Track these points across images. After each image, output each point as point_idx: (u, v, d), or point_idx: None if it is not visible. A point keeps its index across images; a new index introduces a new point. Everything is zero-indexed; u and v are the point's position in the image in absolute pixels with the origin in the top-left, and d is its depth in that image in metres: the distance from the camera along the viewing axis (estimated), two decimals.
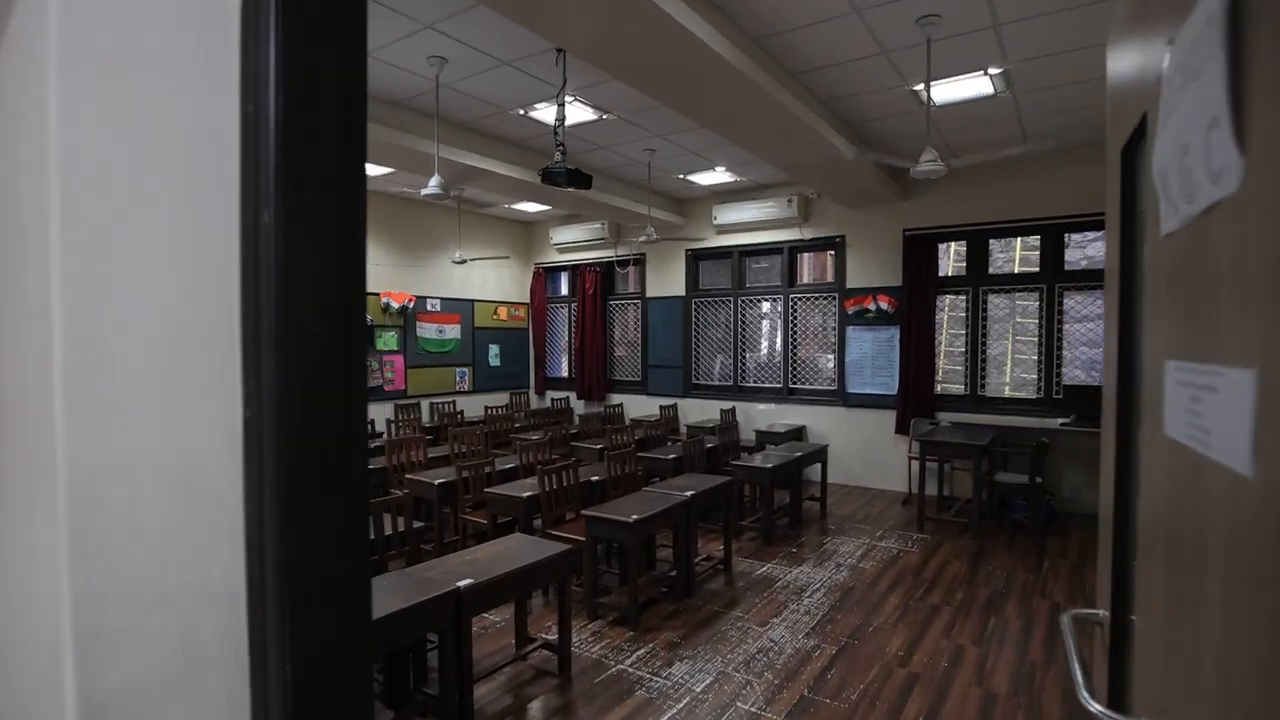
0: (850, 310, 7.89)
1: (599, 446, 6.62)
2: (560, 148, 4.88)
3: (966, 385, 7.40)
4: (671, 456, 6.16)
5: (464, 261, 8.76)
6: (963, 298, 7.42)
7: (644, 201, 8.34)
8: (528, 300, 10.85)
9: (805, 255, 8.54)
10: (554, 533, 4.25)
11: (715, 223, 8.70)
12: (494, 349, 10.37)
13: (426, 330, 9.39)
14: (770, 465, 5.77)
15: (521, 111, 5.79)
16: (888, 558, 5.39)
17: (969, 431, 6.47)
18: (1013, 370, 8.80)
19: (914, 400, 7.36)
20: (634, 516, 3.93)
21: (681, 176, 7.93)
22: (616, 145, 6.74)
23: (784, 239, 8.40)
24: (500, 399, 10.24)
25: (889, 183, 7.03)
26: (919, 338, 7.32)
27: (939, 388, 7.53)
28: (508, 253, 10.40)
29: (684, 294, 9.33)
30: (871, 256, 7.83)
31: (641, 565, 4.43)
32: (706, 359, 9.27)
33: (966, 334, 7.40)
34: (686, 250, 9.27)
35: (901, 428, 7.47)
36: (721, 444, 6.81)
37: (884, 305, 7.66)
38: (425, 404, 9.29)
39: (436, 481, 4.96)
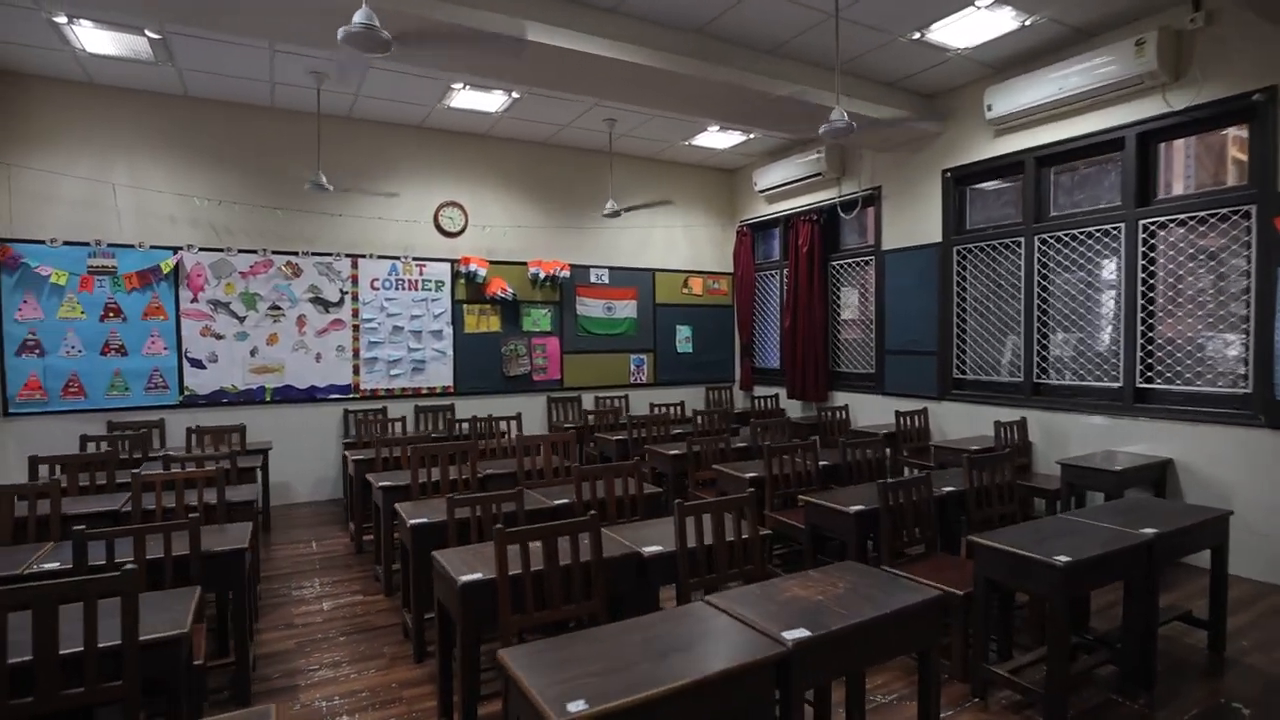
0: None
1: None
2: None
3: None
4: (854, 510, 3.29)
5: (616, 214, 6.60)
6: None
7: (869, 97, 5.33)
8: (731, 269, 8.33)
9: (1175, 146, 4.72)
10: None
11: (991, 116, 5.32)
12: (683, 331, 8.07)
13: (590, 307, 7.45)
14: (1080, 558, 2.58)
15: None
16: None
17: None
18: None
19: None
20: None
21: (917, 36, 4.77)
22: None
23: (1130, 120, 4.70)
24: (689, 395, 7.90)
25: None
26: None
27: None
28: (671, 198, 7.95)
29: (939, 240, 6.02)
30: None
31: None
32: (977, 340, 5.86)
33: None
34: (944, 172, 5.96)
35: None
36: (995, 485, 3.65)
37: None
38: (588, 398, 7.36)
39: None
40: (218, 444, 5.27)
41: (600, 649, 1.83)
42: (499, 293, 6.83)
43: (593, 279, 7.49)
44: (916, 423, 5.92)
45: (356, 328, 6.31)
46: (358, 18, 2.93)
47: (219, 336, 5.76)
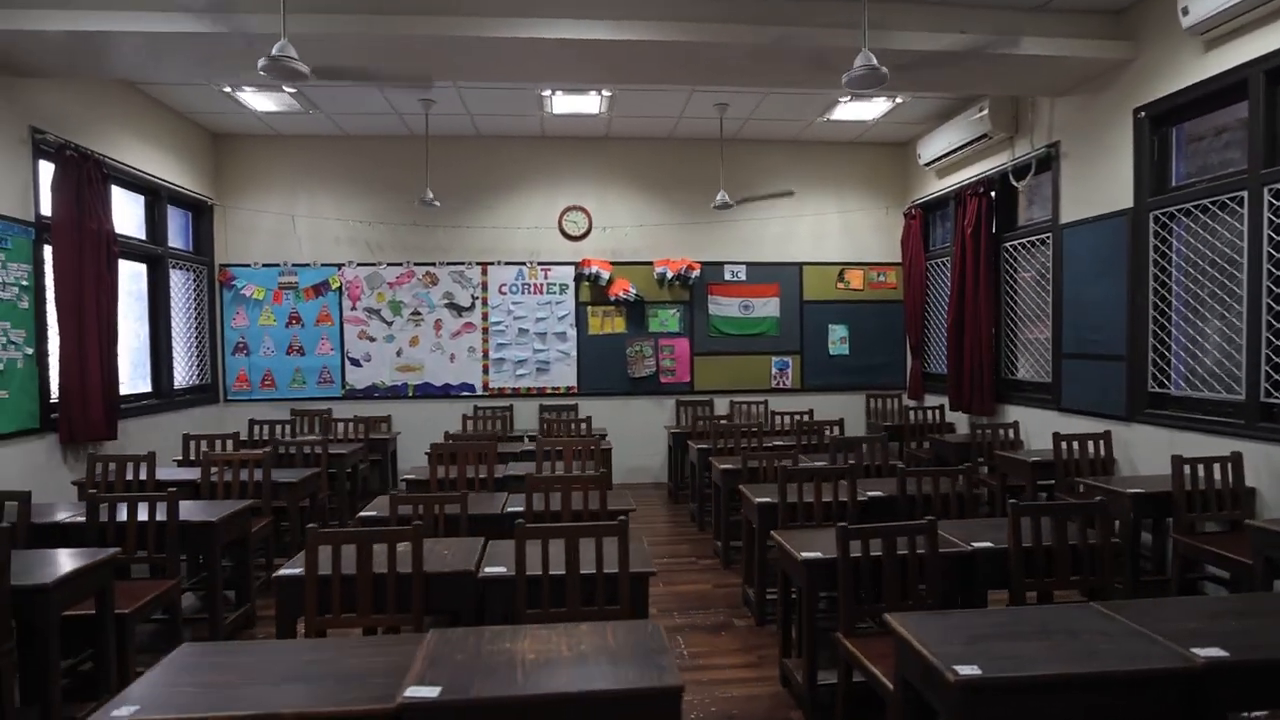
0: None
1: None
2: None
3: None
4: (804, 556, 2.59)
5: (728, 205, 6.10)
6: None
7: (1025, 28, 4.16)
8: (898, 259, 7.15)
9: None
10: None
11: (1189, 22, 3.77)
12: (838, 330, 7.15)
13: (724, 306, 7.01)
14: None
15: None
16: None
17: None
18: None
19: None
20: None
21: None
22: None
23: None
24: (844, 403, 6.97)
25: None
26: None
27: None
28: (793, 188, 6.99)
29: (1130, 205, 4.42)
30: None
31: None
32: (1188, 342, 4.17)
33: None
34: (1136, 111, 4.37)
35: None
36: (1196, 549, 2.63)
37: None
38: (722, 402, 6.93)
39: None
40: (370, 431, 6.14)
41: (974, 622, 1.99)
42: (621, 294, 6.77)
43: (727, 276, 7.02)
44: (1092, 450, 4.44)
45: (486, 330, 6.78)
46: (275, 49, 3.14)
47: (372, 339, 6.66)
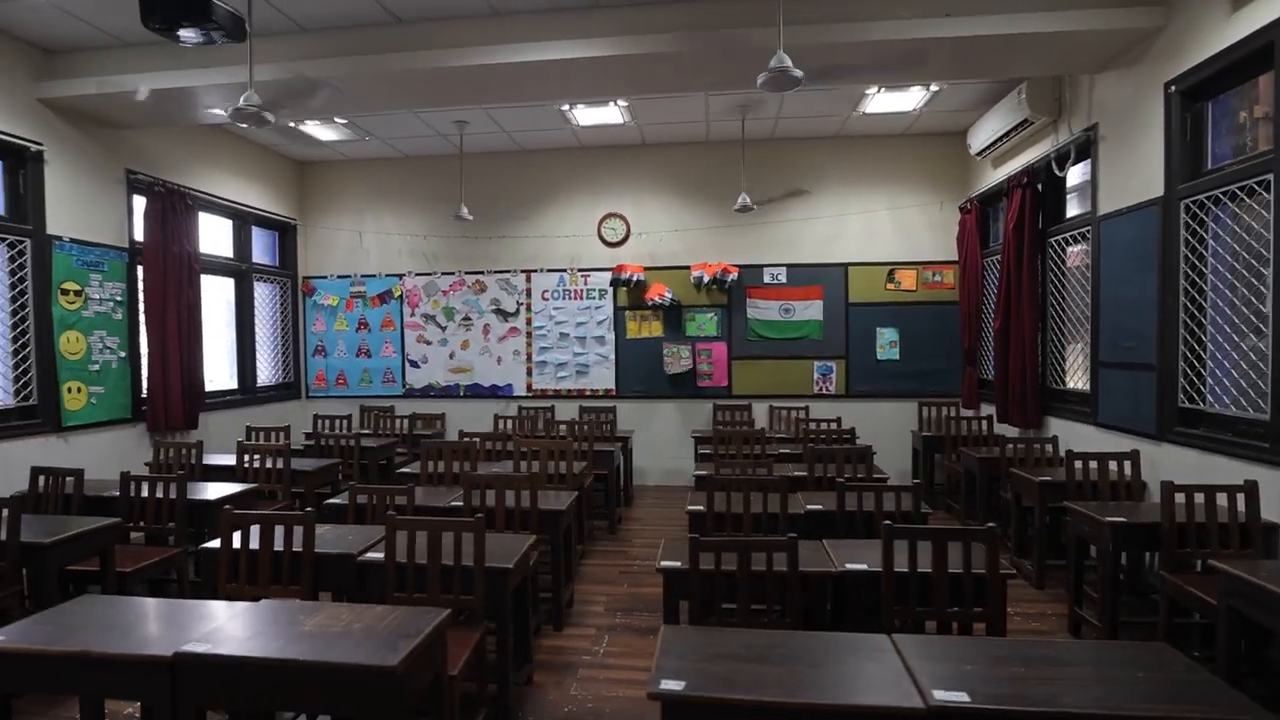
0: None
1: None
2: None
3: None
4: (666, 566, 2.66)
5: (749, 208, 6.01)
6: None
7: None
8: (955, 257, 6.64)
9: None
10: None
11: None
12: (886, 334, 6.79)
13: (763, 309, 6.89)
14: None
15: None
16: None
17: None
18: None
19: None
20: None
21: None
22: None
23: None
24: (895, 411, 6.62)
25: None
26: None
27: None
28: (809, 188, 6.65)
29: (1160, 193, 3.89)
30: None
31: None
32: (1226, 348, 3.61)
33: None
34: (1167, 85, 3.84)
35: None
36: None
37: None
38: (760, 407, 6.82)
39: None
40: (429, 426, 6.75)
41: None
42: (657, 298, 6.86)
43: (766, 279, 6.88)
44: (1115, 471, 3.96)
45: (529, 334, 7.14)
46: (242, 99, 3.60)
47: (428, 343, 7.24)
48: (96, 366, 4.97)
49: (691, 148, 6.93)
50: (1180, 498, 3.10)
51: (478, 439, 4.71)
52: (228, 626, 2.02)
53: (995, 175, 6.01)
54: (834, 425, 5.76)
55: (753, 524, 3.42)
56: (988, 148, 5.75)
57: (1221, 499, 3.12)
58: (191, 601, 2.28)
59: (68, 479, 3.95)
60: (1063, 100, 4.92)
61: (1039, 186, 5.23)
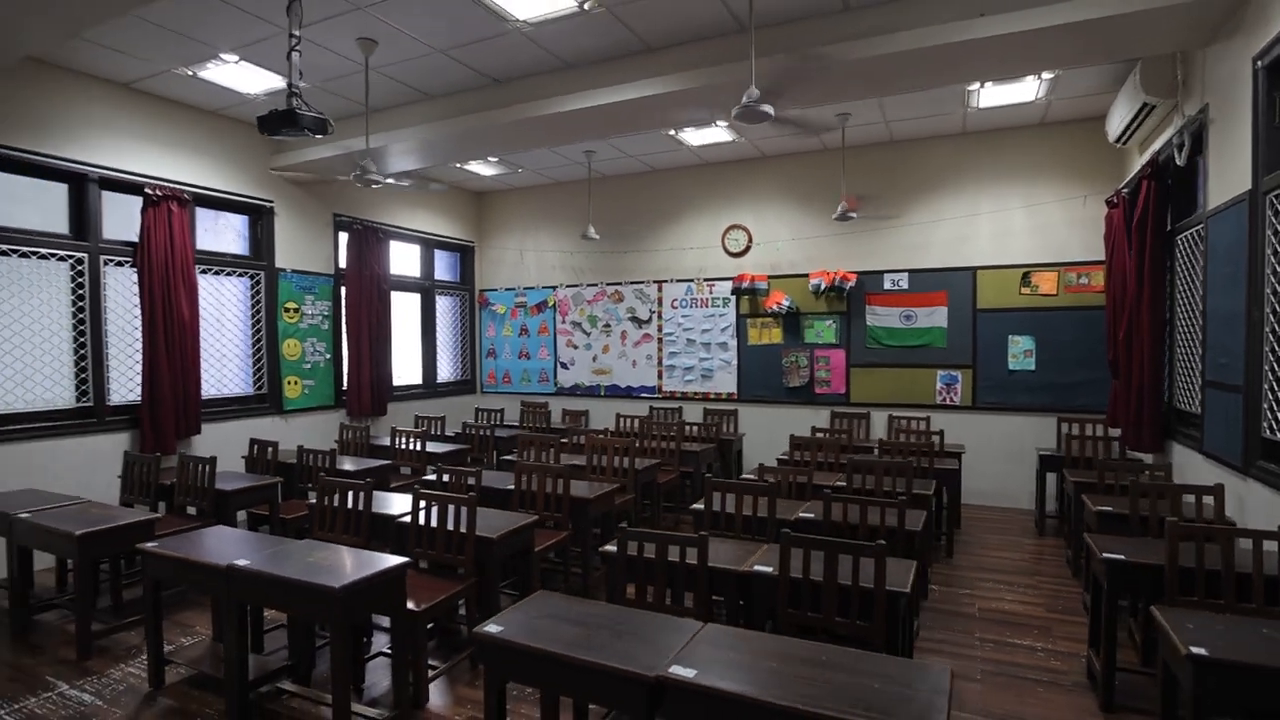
0: None
1: None
2: None
3: None
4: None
5: (849, 216, 6.00)
6: None
7: None
8: (1103, 256, 5.90)
9: None
10: None
11: None
12: (1020, 342, 6.26)
13: (882, 316, 6.76)
14: None
15: None
16: None
17: None
18: None
19: None
20: None
21: None
22: None
23: None
24: (1031, 426, 6.13)
25: None
26: None
27: None
28: (933, 187, 6.08)
29: (1249, 186, 3.35)
30: None
31: None
32: None
33: None
34: (1254, 60, 3.31)
35: None
36: None
37: None
38: (879, 416, 6.73)
39: None
40: (574, 421, 7.73)
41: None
42: (775, 306, 7.04)
43: (887, 285, 6.71)
44: (1193, 508, 3.50)
45: (660, 340, 7.73)
46: (354, 171, 4.66)
47: (575, 347, 8.17)
48: (308, 365, 6.60)
49: (807, 157, 6.99)
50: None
51: (552, 434, 5.43)
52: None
53: (1138, 164, 5.29)
54: (935, 437, 5.54)
55: (743, 525, 3.68)
56: (1123, 134, 5.11)
57: (1245, 543, 2.72)
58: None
59: (269, 448, 5.43)
60: (1177, 80, 4.29)
61: (1167, 179, 4.58)
